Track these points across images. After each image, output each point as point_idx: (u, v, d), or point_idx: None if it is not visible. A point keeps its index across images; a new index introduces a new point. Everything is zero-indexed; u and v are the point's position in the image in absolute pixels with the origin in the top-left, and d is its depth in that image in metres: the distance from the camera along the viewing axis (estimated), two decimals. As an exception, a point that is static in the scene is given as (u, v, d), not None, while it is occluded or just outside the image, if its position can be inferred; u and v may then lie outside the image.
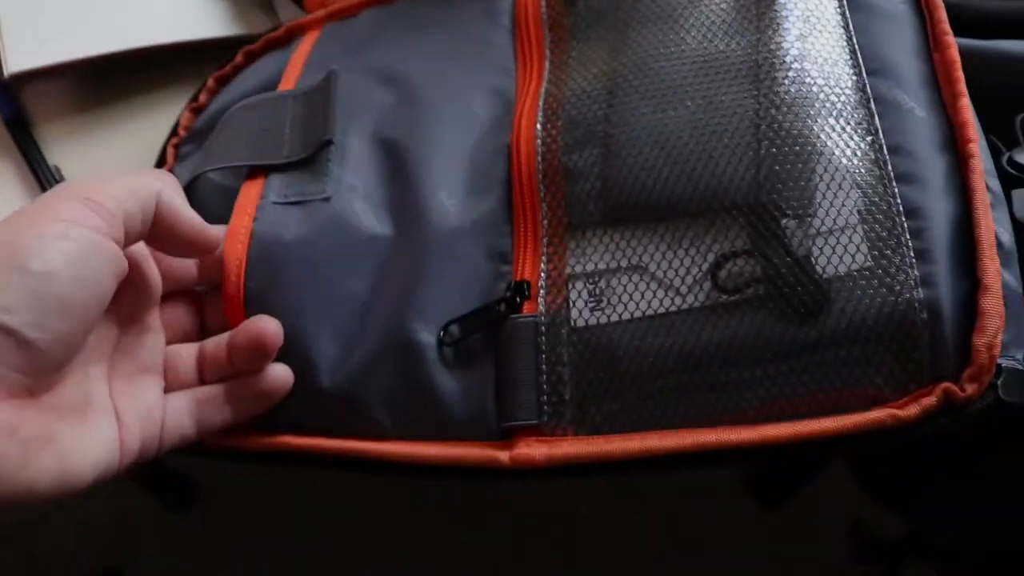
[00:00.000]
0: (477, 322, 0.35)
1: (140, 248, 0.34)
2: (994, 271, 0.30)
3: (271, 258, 0.36)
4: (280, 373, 0.35)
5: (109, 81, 0.54)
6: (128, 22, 0.52)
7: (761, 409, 0.31)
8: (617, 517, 0.60)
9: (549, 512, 0.57)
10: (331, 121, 0.40)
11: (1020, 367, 0.30)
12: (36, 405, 0.28)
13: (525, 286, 0.35)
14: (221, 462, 0.38)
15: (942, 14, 0.36)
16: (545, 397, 0.33)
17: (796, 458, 0.31)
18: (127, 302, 0.33)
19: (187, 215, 0.34)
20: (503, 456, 0.33)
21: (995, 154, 0.36)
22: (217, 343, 0.36)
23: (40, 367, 0.28)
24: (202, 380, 0.36)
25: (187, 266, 0.37)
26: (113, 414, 0.31)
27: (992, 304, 0.29)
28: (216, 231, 0.35)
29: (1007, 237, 0.32)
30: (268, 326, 0.35)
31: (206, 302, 0.38)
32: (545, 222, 0.36)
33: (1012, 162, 0.35)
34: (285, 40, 0.49)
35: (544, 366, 0.33)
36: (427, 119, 0.40)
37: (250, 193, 0.39)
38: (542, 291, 0.35)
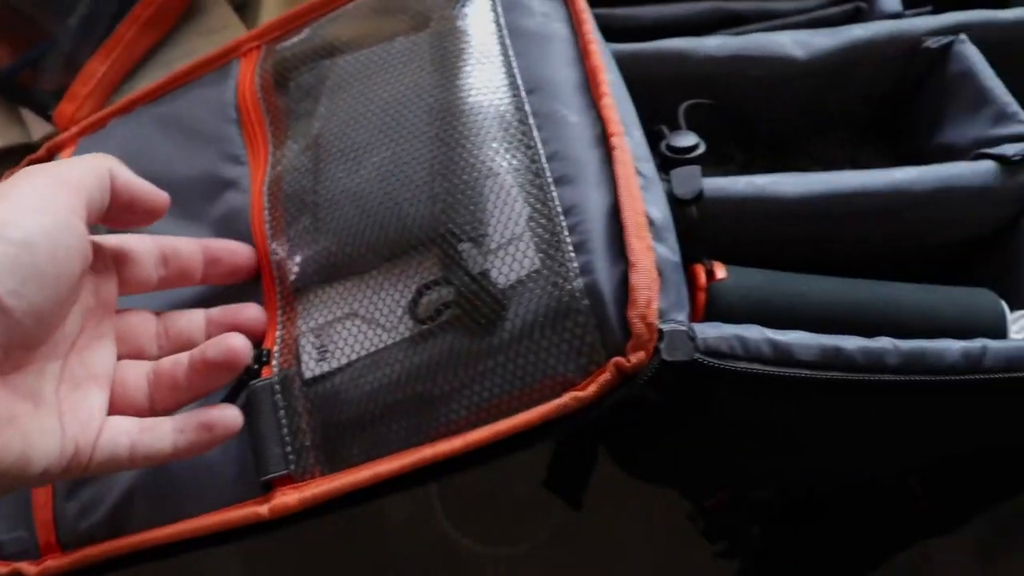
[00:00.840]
0: (234, 398, 0.38)
1: (100, 248, 0.35)
2: (641, 249, 0.33)
3: None
4: (233, 412, 0.35)
5: None
6: None
7: (469, 418, 0.34)
8: (511, 548, 0.62)
9: (443, 562, 0.60)
10: None
11: (683, 327, 0.33)
12: (2, 383, 0.29)
13: (263, 354, 0.38)
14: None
15: (587, 27, 0.40)
16: (290, 447, 0.36)
17: (502, 455, 0.34)
18: (86, 302, 0.34)
19: (143, 181, 0.35)
20: (263, 510, 0.36)
21: (660, 140, 0.39)
22: (175, 361, 0.35)
23: (12, 338, 0.29)
24: (151, 400, 0.35)
25: (147, 273, 0.37)
26: (57, 413, 0.32)
27: (641, 279, 0.32)
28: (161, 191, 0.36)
29: (659, 214, 0.35)
30: (238, 342, 0.35)
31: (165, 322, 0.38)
32: (278, 295, 0.39)
33: (669, 146, 0.38)
34: (46, 159, 0.51)
35: (284, 419, 0.37)
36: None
37: None
38: (276, 354, 0.38)
